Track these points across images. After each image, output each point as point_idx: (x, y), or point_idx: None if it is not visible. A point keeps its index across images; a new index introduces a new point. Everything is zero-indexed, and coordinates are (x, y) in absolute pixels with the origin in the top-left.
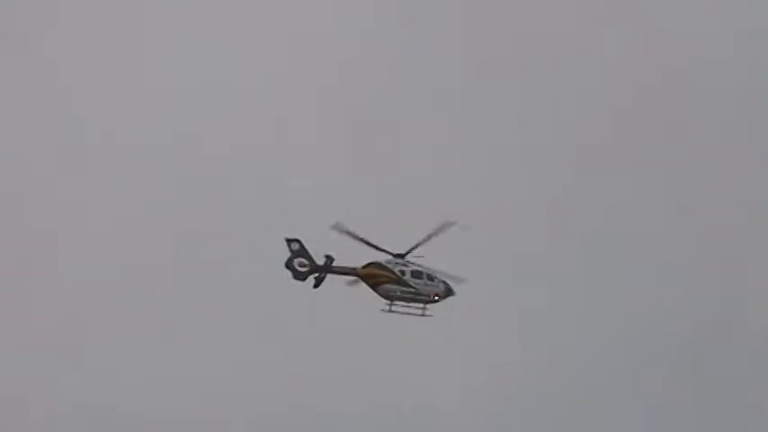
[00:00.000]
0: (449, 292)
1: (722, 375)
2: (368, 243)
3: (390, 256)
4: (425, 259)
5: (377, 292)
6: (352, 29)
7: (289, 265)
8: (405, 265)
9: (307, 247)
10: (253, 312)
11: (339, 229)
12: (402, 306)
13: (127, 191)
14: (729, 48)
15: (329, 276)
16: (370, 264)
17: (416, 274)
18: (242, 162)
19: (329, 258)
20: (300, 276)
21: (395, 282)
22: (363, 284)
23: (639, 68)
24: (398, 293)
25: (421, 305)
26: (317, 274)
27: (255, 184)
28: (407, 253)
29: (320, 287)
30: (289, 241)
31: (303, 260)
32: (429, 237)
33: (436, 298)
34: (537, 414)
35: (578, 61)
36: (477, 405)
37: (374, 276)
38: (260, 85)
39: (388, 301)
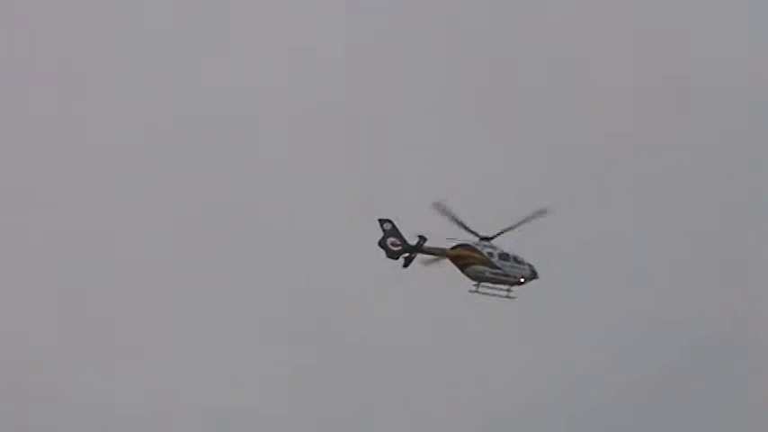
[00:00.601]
0: (534, 274)
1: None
2: (461, 224)
3: (477, 239)
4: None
5: (465, 272)
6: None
7: (382, 243)
8: (492, 248)
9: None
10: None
11: (439, 208)
12: (489, 287)
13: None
14: (729, 47)
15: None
16: (458, 245)
17: (504, 257)
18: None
19: (422, 238)
20: (394, 255)
21: (484, 263)
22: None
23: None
24: (487, 274)
25: (506, 287)
26: (407, 254)
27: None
28: (495, 236)
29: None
30: (381, 221)
31: (395, 239)
32: (520, 223)
33: (522, 280)
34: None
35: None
36: None
37: (464, 258)
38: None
39: (476, 282)
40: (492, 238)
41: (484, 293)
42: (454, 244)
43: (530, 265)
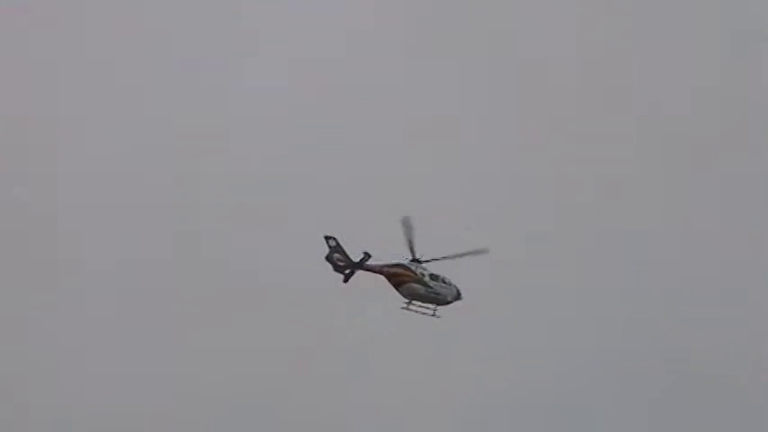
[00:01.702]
0: (459, 296)
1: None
2: (410, 243)
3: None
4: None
5: (399, 290)
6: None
7: (329, 258)
8: (423, 269)
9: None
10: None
11: (406, 224)
12: (418, 305)
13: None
14: (728, 47)
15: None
16: (395, 264)
17: (434, 277)
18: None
19: (366, 255)
20: (339, 270)
21: (417, 282)
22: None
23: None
24: (421, 292)
25: (433, 306)
26: (348, 270)
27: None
28: (427, 261)
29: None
30: (327, 238)
31: (340, 255)
32: (456, 256)
33: (449, 300)
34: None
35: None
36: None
37: (399, 276)
38: None
39: (407, 300)
40: (423, 261)
41: (413, 311)
42: (391, 263)
43: (455, 287)
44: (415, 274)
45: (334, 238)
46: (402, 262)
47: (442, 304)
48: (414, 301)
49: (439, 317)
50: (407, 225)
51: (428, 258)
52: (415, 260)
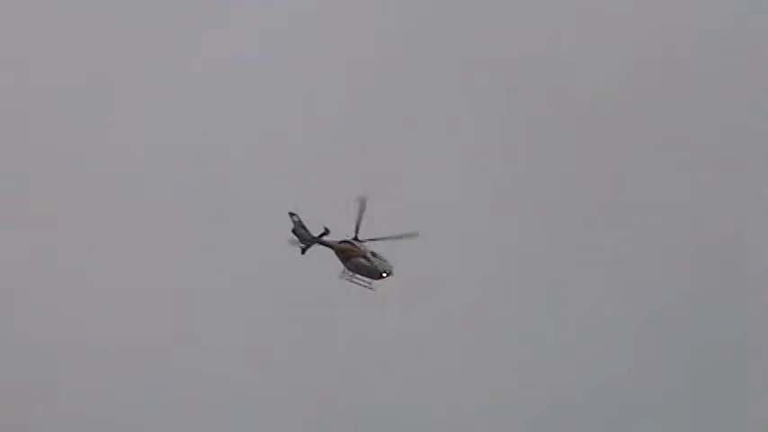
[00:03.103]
0: (391, 272)
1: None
2: (357, 224)
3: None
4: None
5: (346, 264)
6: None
7: (294, 231)
8: (364, 247)
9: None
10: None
11: (361, 202)
12: (357, 278)
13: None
14: (728, 46)
15: None
16: (344, 241)
17: (373, 254)
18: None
19: (326, 230)
20: (302, 242)
21: (363, 257)
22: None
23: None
24: (365, 264)
25: (368, 280)
26: (306, 243)
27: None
28: (364, 241)
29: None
30: (291, 214)
31: (302, 230)
32: (389, 238)
33: (384, 275)
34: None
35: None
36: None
37: (348, 251)
38: None
39: (350, 273)
40: (362, 240)
41: (351, 282)
42: (341, 240)
43: (388, 263)
44: (361, 251)
45: (296, 214)
46: (348, 239)
47: (377, 278)
48: (356, 275)
49: (374, 289)
50: (362, 204)
51: (365, 239)
52: (355, 238)
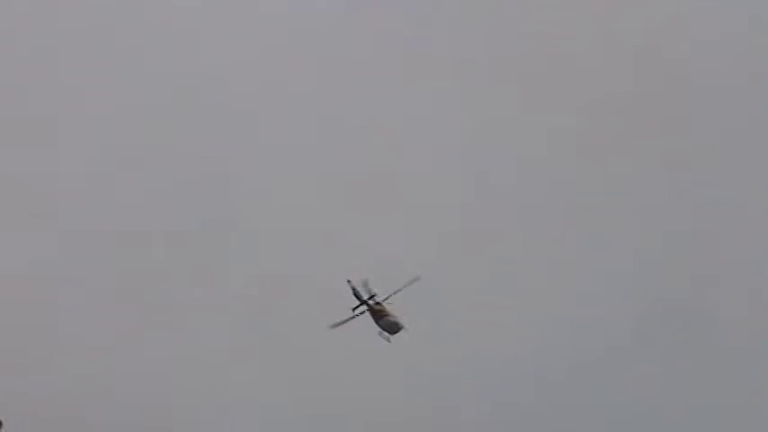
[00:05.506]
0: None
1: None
2: (359, 296)
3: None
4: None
5: (379, 322)
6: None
7: (355, 294)
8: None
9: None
10: None
11: (350, 285)
12: (384, 334)
13: None
14: (727, 45)
15: None
16: (377, 303)
17: (378, 303)
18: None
19: (372, 295)
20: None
21: (389, 315)
22: None
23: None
24: (394, 323)
25: (387, 335)
26: (360, 304)
27: None
28: (384, 299)
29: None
30: (348, 282)
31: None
32: (398, 291)
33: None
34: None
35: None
36: None
37: (381, 312)
38: None
39: (387, 333)
40: (381, 300)
41: (384, 338)
42: (374, 302)
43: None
44: (387, 310)
45: (349, 281)
46: (379, 302)
47: (396, 333)
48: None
49: (391, 342)
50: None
51: (384, 298)
52: (377, 303)
